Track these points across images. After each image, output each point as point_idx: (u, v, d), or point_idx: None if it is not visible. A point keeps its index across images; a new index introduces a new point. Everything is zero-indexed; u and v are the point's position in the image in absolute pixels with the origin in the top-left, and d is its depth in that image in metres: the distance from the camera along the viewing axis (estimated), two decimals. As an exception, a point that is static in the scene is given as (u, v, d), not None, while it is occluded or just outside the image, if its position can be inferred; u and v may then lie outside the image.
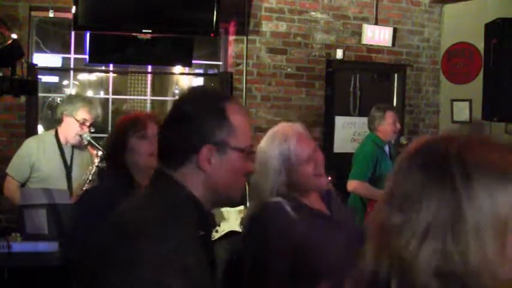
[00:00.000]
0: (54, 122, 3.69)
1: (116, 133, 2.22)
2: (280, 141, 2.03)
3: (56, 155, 3.52)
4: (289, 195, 2.04)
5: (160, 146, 1.36)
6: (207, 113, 1.31)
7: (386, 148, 4.39)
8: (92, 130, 3.57)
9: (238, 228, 3.80)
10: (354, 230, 2.08)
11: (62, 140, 3.54)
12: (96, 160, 3.42)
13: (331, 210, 2.17)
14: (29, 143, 3.59)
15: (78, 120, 3.46)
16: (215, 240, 3.79)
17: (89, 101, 3.61)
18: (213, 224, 1.38)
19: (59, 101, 6.18)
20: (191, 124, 1.30)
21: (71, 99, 3.62)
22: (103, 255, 1.21)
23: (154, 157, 2.08)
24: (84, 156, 3.64)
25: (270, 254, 1.93)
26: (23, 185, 3.50)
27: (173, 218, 1.22)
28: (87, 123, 3.49)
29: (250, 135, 1.38)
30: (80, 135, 3.50)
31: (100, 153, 3.41)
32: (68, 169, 3.52)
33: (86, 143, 3.49)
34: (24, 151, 3.52)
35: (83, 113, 3.48)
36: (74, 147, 3.56)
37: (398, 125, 4.35)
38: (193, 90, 1.46)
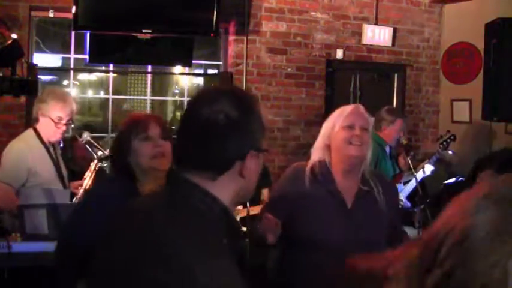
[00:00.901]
0: (32, 121, 3.47)
1: (119, 135, 2.23)
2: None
3: (45, 155, 3.38)
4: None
5: (193, 155, 1.24)
6: (254, 118, 1.25)
7: (387, 148, 4.38)
8: (72, 125, 3.42)
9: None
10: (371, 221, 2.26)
11: (44, 139, 3.37)
12: (95, 161, 3.39)
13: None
14: (19, 147, 3.35)
15: (52, 119, 3.28)
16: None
17: (62, 97, 3.36)
18: (239, 231, 1.36)
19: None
20: (240, 131, 1.22)
21: (44, 96, 3.38)
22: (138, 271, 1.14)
23: (158, 159, 2.09)
24: (58, 150, 3.53)
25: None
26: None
27: (210, 242, 1.16)
28: (63, 121, 3.31)
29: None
30: (80, 135, 3.46)
31: (100, 153, 3.40)
32: (58, 168, 3.41)
33: (84, 142, 3.44)
34: (17, 156, 3.30)
35: (56, 111, 3.28)
36: (53, 144, 3.44)
37: (402, 133, 4.34)
38: (226, 93, 1.29)
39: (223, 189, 1.23)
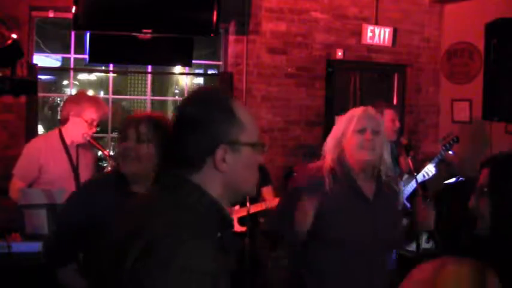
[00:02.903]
0: (57, 122, 3.61)
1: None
2: None
3: (63, 156, 3.44)
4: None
5: (173, 152, 1.34)
6: (216, 113, 1.32)
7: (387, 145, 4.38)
8: (98, 129, 3.54)
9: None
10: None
11: (67, 140, 3.45)
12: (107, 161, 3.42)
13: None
14: (35, 144, 3.51)
15: (86, 121, 3.39)
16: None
17: (95, 100, 3.54)
18: (232, 225, 1.38)
19: (59, 101, 6.17)
20: (203, 127, 1.30)
21: (76, 98, 3.53)
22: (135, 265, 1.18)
23: (129, 162, 2.01)
24: (89, 156, 3.59)
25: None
26: (29, 186, 3.41)
27: (202, 232, 1.22)
28: (95, 123, 3.44)
29: (256, 127, 1.40)
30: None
31: (100, 153, 3.41)
32: (76, 170, 3.44)
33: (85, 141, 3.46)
34: (31, 152, 3.44)
35: (90, 113, 3.41)
36: (78, 147, 3.49)
37: (397, 123, 4.33)
38: (196, 92, 1.44)
39: (208, 184, 1.30)
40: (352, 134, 2.31)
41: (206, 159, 1.30)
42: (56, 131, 3.52)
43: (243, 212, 3.82)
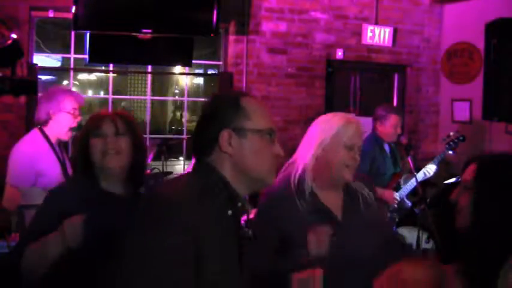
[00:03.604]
0: (37, 125, 3.41)
1: (79, 134, 2.17)
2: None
3: (52, 156, 3.37)
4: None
5: (193, 141, 1.54)
6: (223, 105, 1.49)
7: (386, 146, 4.38)
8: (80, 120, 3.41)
9: None
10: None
11: (52, 139, 3.37)
12: None
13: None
14: (25, 150, 3.33)
15: (69, 112, 3.31)
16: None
17: (68, 91, 3.42)
18: (244, 207, 1.48)
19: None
20: (210, 116, 1.49)
21: (50, 96, 3.37)
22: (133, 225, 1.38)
23: (108, 156, 2.01)
24: (64, 150, 3.53)
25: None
26: None
27: (202, 197, 1.38)
28: (77, 112, 3.35)
29: (269, 118, 1.54)
30: (72, 130, 3.45)
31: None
32: (65, 170, 3.38)
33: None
34: (25, 159, 3.29)
35: (70, 103, 3.32)
36: (60, 145, 3.43)
37: (399, 130, 4.33)
38: (214, 94, 1.70)
39: (219, 165, 1.46)
40: (341, 148, 2.09)
41: (214, 144, 1.46)
42: (37, 132, 3.39)
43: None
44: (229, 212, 1.42)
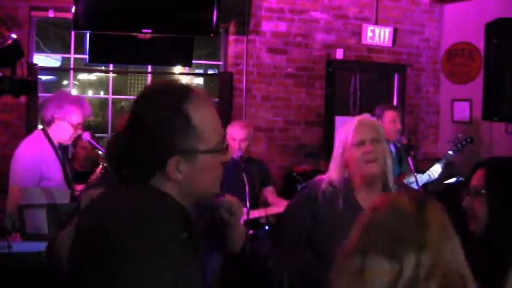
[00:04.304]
0: (41, 123, 3.48)
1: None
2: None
3: (54, 158, 3.38)
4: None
5: (123, 155, 1.25)
6: (168, 119, 1.22)
7: (392, 146, 4.37)
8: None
9: None
10: None
11: (55, 141, 3.38)
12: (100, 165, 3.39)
13: None
14: (30, 152, 3.33)
15: (72, 125, 3.33)
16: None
17: (79, 103, 3.41)
18: (197, 226, 1.33)
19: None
20: (154, 134, 1.22)
21: (59, 101, 3.37)
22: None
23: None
24: (65, 151, 3.58)
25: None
26: None
27: (163, 229, 1.18)
28: (80, 126, 3.39)
29: (219, 127, 1.31)
30: (80, 135, 3.46)
31: (100, 152, 3.40)
32: (65, 170, 3.41)
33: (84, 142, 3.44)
34: (30, 161, 3.29)
35: (76, 118, 3.34)
36: (60, 146, 3.44)
37: (398, 124, 4.33)
38: (149, 91, 1.34)
39: (164, 189, 1.24)
40: (351, 147, 2.22)
41: (159, 168, 1.23)
42: (40, 133, 3.41)
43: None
44: (185, 235, 1.21)
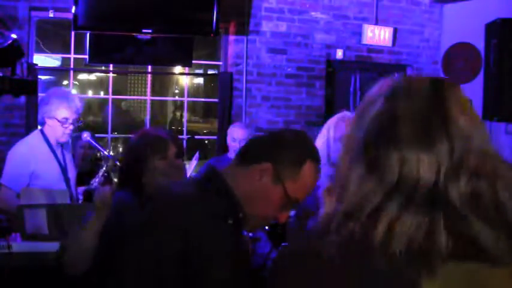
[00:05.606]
0: (38, 125, 3.45)
1: (136, 151, 2.20)
2: None
3: (51, 157, 3.36)
4: None
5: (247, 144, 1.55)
6: (291, 150, 1.47)
7: None
8: (79, 124, 3.42)
9: None
10: None
11: (52, 140, 3.36)
12: (103, 167, 3.38)
13: None
14: (21, 151, 3.34)
15: (59, 121, 3.28)
16: None
17: (64, 96, 3.35)
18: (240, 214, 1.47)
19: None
20: (278, 145, 1.48)
21: (46, 98, 3.37)
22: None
23: (169, 177, 2.08)
24: (69, 155, 3.53)
25: None
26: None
27: (201, 200, 1.39)
28: (70, 121, 3.31)
29: (308, 193, 1.50)
30: (80, 135, 3.46)
31: (99, 154, 3.39)
32: (64, 170, 3.39)
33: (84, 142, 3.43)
34: (19, 160, 3.29)
35: (62, 112, 3.28)
36: (61, 146, 3.43)
37: None
38: (298, 134, 1.61)
39: (239, 179, 1.44)
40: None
41: (258, 163, 1.44)
42: (38, 133, 3.40)
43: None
44: (230, 221, 1.39)
